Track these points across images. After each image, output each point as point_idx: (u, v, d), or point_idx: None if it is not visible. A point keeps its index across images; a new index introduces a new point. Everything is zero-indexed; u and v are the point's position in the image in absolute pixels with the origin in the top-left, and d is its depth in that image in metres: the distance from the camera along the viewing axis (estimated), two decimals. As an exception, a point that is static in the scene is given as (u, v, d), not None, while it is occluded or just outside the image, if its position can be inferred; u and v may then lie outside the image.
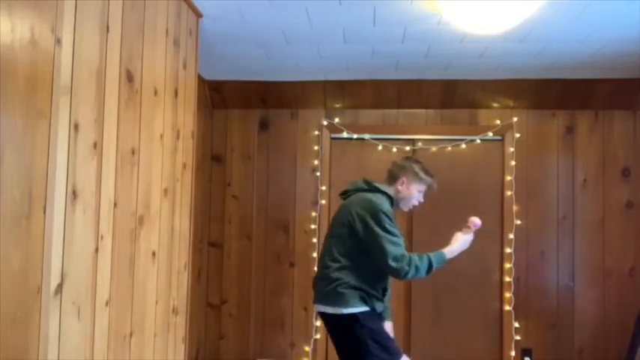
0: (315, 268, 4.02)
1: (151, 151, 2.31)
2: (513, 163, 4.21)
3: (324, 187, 4.31)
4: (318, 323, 4.18)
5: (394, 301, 4.31)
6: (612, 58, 3.48)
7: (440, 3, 2.65)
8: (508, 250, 4.19)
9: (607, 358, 4.13)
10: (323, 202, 4.30)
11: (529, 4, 2.57)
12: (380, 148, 4.32)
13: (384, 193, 2.92)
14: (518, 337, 4.16)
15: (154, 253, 2.36)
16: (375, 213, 2.76)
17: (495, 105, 4.27)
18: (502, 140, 4.28)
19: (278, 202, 4.39)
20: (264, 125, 4.43)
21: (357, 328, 2.72)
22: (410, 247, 4.31)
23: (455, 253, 2.89)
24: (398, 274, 2.71)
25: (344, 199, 3.04)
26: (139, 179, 2.19)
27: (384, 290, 2.91)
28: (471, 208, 4.27)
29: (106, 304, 1.93)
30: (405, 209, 3.07)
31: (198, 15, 2.84)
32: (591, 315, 4.16)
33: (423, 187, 3.01)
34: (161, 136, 2.41)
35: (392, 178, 3.02)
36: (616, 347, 4.09)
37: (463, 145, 4.29)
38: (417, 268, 2.71)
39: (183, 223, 2.76)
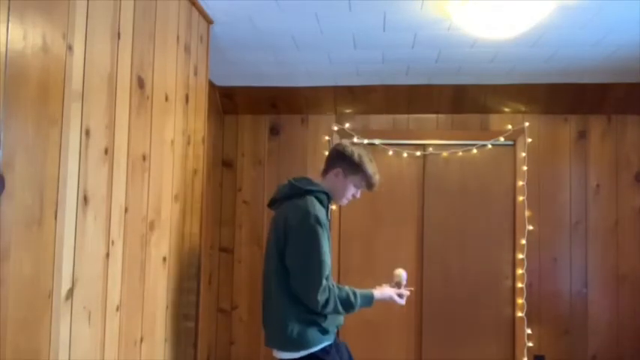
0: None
1: (162, 156, 2.32)
2: (525, 168, 4.18)
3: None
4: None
5: (405, 308, 4.30)
6: (625, 62, 3.45)
7: (450, 8, 2.65)
8: (520, 256, 4.16)
9: (621, 366, 4.08)
10: (333, 207, 4.30)
11: (540, 8, 2.56)
12: (390, 153, 4.31)
13: (314, 192, 2.43)
14: (530, 344, 4.12)
15: (164, 259, 2.37)
16: (301, 225, 2.31)
17: (507, 110, 4.25)
18: (514, 145, 4.25)
19: (288, 208, 4.38)
20: (274, 131, 4.44)
21: None
22: (421, 254, 4.30)
23: (381, 299, 2.51)
24: (316, 307, 2.29)
25: (274, 208, 2.57)
26: (150, 185, 2.20)
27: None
28: (483, 214, 4.27)
29: (117, 309, 1.94)
30: (339, 204, 2.62)
31: (209, 21, 2.86)
32: (605, 321, 4.11)
33: (362, 183, 2.53)
34: (172, 141, 2.43)
35: (326, 168, 2.55)
36: (630, 354, 4.04)
37: (474, 150, 4.27)
38: (341, 308, 2.34)
39: (194, 228, 2.77)
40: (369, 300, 2.45)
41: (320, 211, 2.36)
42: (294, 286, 2.33)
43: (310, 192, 2.43)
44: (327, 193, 2.48)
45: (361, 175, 2.50)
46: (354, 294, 2.38)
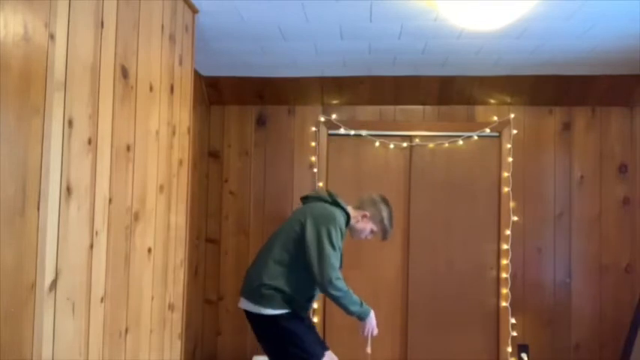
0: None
1: (147, 147, 2.31)
2: (510, 159, 4.21)
3: (321, 184, 4.31)
4: (315, 319, 4.18)
5: (392, 298, 4.34)
6: (609, 55, 3.48)
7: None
8: (505, 247, 4.19)
9: (603, 354, 4.14)
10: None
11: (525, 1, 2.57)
12: (377, 144, 4.32)
13: (344, 209, 2.95)
14: (514, 333, 4.17)
15: (149, 250, 2.36)
16: (329, 224, 2.79)
17: (492, 101, 4.26)
18: (499, 136, 4.28)
19: (275, 199, 4.38)
20: (261, 121, 4.42)
21: (276, 329, 2.80)
22: (407, 244, 4.32)
23: (369, 319, 2.90)
24: (332, 290, 2.73)
25: (304, 203, 3.09)
26: (135, 175, 2.18)
27: (311, 298, 2.93)
28: (468, 205, 4.29)
29: (101, 300, 1.93)
30: (353, 237, 3.13)
31: (194, 10, 2.83)
32: (588, 311, 4.17)
33: (378, 231, 3.10)
34: (157, 132, 2.41)
35: (360, 205, 3.11)
36: (612, 343, 4.10)
37: (460, 142, 4.29)
38: (350, 299, 2.78)
39: (180, 219, 2.76)
40: (367, 311, 2.86)
41: (343, 222, 2.86)
42: (316, 268, 2.73)
43: (338, 205, 2.95)
44: (348, 218, 2.97)
45: (381, 226, 3.07)
46: (359, 300, 2.82)
